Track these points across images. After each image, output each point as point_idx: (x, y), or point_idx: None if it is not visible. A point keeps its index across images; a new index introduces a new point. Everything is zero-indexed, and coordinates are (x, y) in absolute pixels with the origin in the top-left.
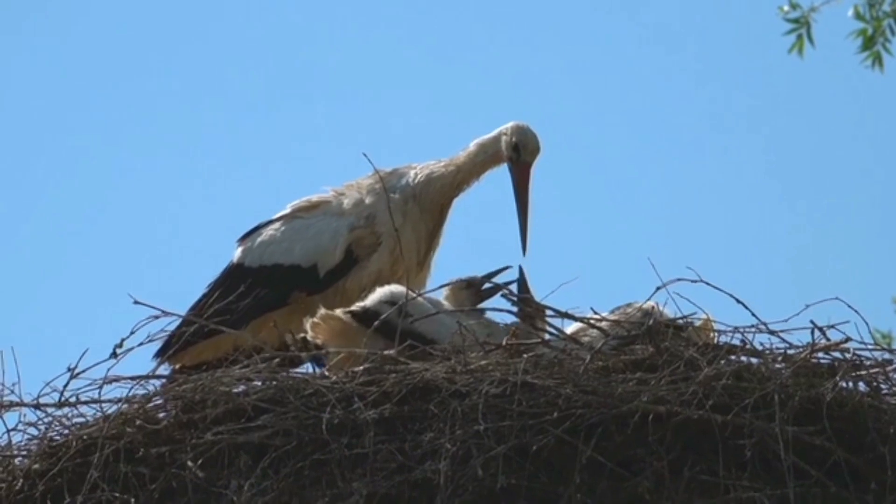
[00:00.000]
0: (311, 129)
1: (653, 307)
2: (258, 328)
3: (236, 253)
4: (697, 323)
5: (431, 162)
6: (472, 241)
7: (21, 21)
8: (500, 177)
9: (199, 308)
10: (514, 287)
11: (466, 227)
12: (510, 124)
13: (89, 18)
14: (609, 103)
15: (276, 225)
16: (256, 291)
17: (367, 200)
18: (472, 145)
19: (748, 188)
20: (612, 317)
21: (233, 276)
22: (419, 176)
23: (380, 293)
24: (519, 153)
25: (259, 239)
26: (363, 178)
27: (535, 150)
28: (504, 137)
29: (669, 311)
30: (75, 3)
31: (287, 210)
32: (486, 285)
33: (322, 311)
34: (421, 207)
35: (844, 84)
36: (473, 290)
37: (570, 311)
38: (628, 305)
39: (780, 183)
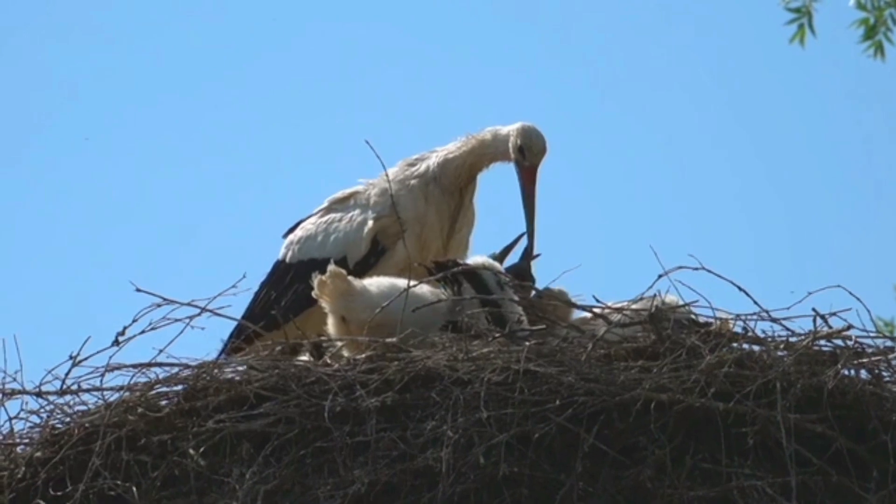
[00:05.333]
0: (317, 127)
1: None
2: (302, 324)
3: (281, 249)
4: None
5: (451, 144)
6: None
7: (65, 13)
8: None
9: (253, 307)
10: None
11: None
12: (517, 125)
13: (130, 14)
14: (610, 93)
15: (313, 219)
16: (296, 287)
17: (392, 190)
18: (488, 132)
19: (750, 176)
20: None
21: (278, 273)
22: (437, 159)
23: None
24: (524, 155)
25: (298, 234)
26: (391, 169)
27: (541, 152)
28: (511, 138)
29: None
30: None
31: (324, 204)
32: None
33: (332, 267)
34: (441, 189)
35: (846, 73)
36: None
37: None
38: (640, 299)
39: (782, 171)
